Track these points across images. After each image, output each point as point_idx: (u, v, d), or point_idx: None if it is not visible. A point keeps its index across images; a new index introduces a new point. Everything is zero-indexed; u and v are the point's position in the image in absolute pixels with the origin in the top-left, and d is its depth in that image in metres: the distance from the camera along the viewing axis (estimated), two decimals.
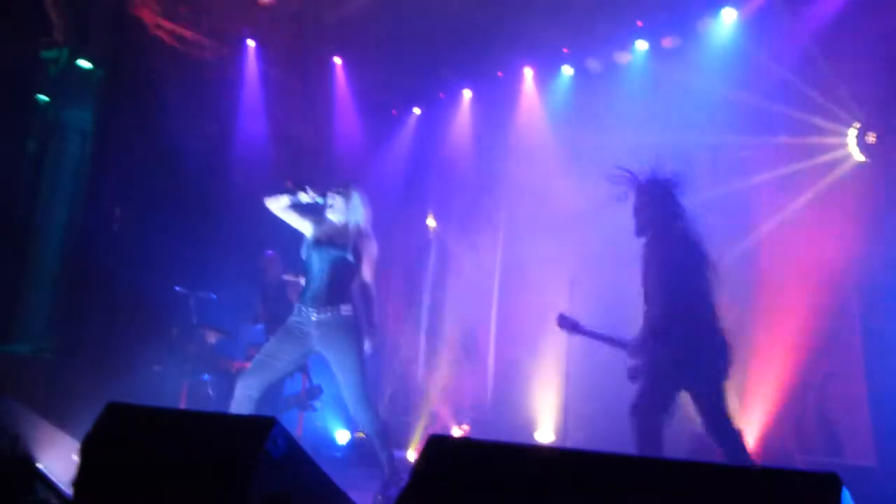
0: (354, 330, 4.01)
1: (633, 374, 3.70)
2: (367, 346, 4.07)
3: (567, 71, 7.30)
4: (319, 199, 4.14)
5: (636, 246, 3.84)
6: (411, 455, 6.11)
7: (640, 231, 3.82)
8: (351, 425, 6.79)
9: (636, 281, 3.76)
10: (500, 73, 7.64)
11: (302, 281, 4.26)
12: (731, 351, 3.64)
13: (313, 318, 3.98)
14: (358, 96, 7.93)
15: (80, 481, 2.34)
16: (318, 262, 4.06)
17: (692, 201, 3.87)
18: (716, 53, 6.14)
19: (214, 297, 6.19)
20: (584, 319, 4.25)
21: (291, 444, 2.17)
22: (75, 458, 2.41)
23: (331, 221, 4.18)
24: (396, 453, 4.23)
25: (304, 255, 4.14)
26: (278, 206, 4.17)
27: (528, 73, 7.49)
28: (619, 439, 3.78)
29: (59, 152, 6.55)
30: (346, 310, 3.99)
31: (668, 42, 6.52)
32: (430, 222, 8.16)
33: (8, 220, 6.11)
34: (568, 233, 6.46)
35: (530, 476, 1.77)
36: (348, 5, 6.79)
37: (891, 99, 5.22)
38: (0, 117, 5.95)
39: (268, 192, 4.22)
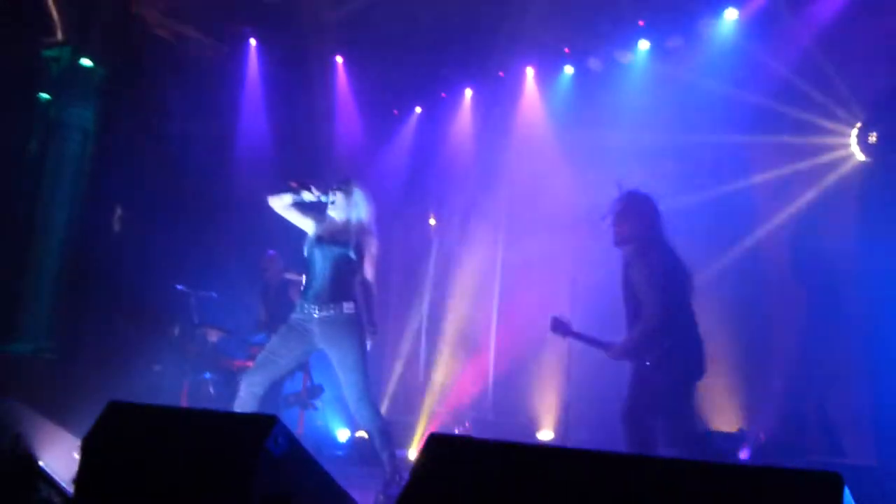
0: (357, 328, 4.01)
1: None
2: (368, 343, 4.07)
3: (568, 70, 7.30)
4: (322, 197, 4.15)
5: None
6: (412, 454, 6.11)
7: (620, 241, 3.93)
8: (352, 424, 6.79)
9: None
10: (501, 73, 7.64)
11: (304, 279, 4.26)
12: (705, 359, 3.79)
13: (315, 316, 3.98)
14: (359, 95, 7.93)
15: (81, 479, 2.34)
16: (321, 260, 4.06)
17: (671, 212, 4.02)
18: (717, 53, 6.13)
19: (215, 295, 6.19)
20: (584, 318, 4.25)
21: (292, 442, 2.17)
22: (76, 456, 2.41)
23: (333, 219, 4.18)
24: (397, 452, 4.23)
25: (306, 252, 4.15)
26: (281, 204, 4.18)
27: (529, 72, 7.49)
28: (621, 439, 3.80)
29: (60, 151, 6.56)
30: (348, 307, 3.99)
31: (669, 41, 6.52)
32: (431, 221, 8.16)
33: (9, 219, 6.11)
34: (569, 232, 6.46)
35: (531, 475, 1.77)
36: (350, 4, 6.80)
37: (892, 98, 5.22)
38: (2, 116, 5.96)
39: (270, 190, 4.22)
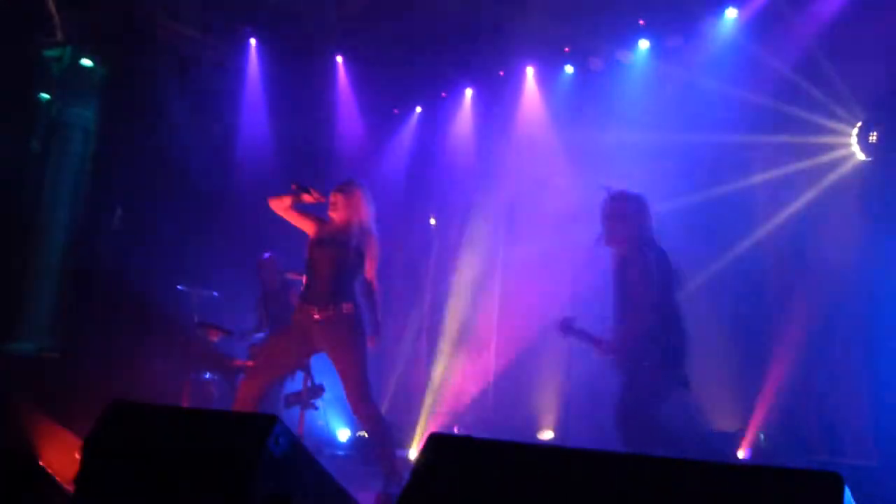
0: (356, 328, 4.02)
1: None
2: (373, 343, 4.08)
3: (569, 70, 7.29)
4: (323, 199, 4.16)
5: None
6: (412, 454, 6.12)
7: (610, 239, 3.94)
8: (353, 424, 6.80)
9: None
10: (501, 72, 7.63)
11: (304, 279, 4.27)
12: (686, 356, 3.86)
13: (315, 317, 3.99)
14: (360, 95, 7.92)
15: (82, 479, 2.34)
16: (321, 261, 4.07)
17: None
18: (718, 52, 6.13)
19: (217, 295, 6.20)
20: (585, 318, 4.25)
21: (293, 442, 2.17)
22: (77, 455, 2.41)
23: (333, 220, 4.18)
24: (398, 452, 4.24)
25: (306, 253, 4.16)
26: (281, 206, 4.19)
27: (529, 71, 7.49)
28: (619, 438, 3.81)
29: (61, 151, 6.56)
30: (347, 308, 4.00)
31: (670, 41, 6.52)
32: (432, 221, 8.16)
33: (10, 219, 6.12)
34: (570, 231, 6.45)
35: (531, 475, 1.77)
36: (351, 4, 6.79)
37: (893, 98, 5.21)
38: (3, 116, 5.96)
39: (271, 190, 4.24)
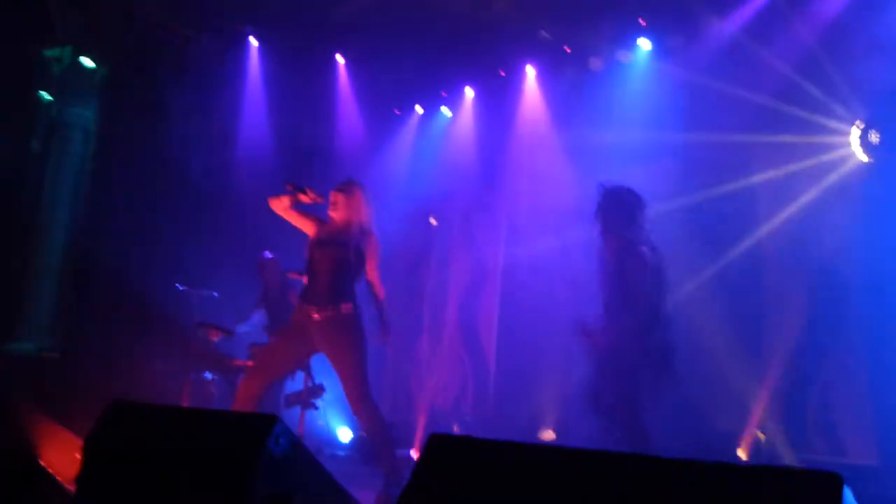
0: (355, 328, 4.01)
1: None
2: (384, 341, 4.09)
3: (569, 69, 7.29)
4: (320, 199, 4.16)
5: None
6: (412, 454, 6.11)
7: (608, 229, 4.00)
8: (353, 423, 6.80)
9: None
10: (502, 72, 7.64)
11: (304, 279, 4.27)
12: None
13: (314, 317, 3.99)
14: (360, 95, 7.92)
15: (82, 479, 2.34)
16: (320, 261, 4.06)
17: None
18: (718, 52, 6.13)
19: (216, 295, 6.20)
20: (585, 317, 4.25)
21: (293, 441, 2.17)
22: (77, 455, 2.41)
23: (333, 220, 4.18)
24: (398, 452, 4.24)
25: (306, 253, 4.16)
26: (280, 206, 4.19)
27: (530, 71, 7.49)
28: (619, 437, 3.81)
29: (61, 151, 6.56)
30: (346, 308, 4.00)
31: (670, 40, 6.52)
32: (432, 221, 8.16)
33: (11, 219, 6.12)
34: (570, 230, 6.45)
35: (532, 474, 1.77)
36: (351, 4, 6.79)
37: (894, 97, 5.21)
38: (3, 115, 5.96)
39: (271, 190, 4.24)
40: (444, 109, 8.21)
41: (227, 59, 7.47)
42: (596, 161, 6.20)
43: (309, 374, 5.49)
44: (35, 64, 6.35)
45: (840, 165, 5.54)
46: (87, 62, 6.56)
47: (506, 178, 7.57)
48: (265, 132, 7.57)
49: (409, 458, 5.79)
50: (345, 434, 7.03)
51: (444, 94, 8.13)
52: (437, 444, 1.92)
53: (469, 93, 8.00)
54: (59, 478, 3.04)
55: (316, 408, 5.87)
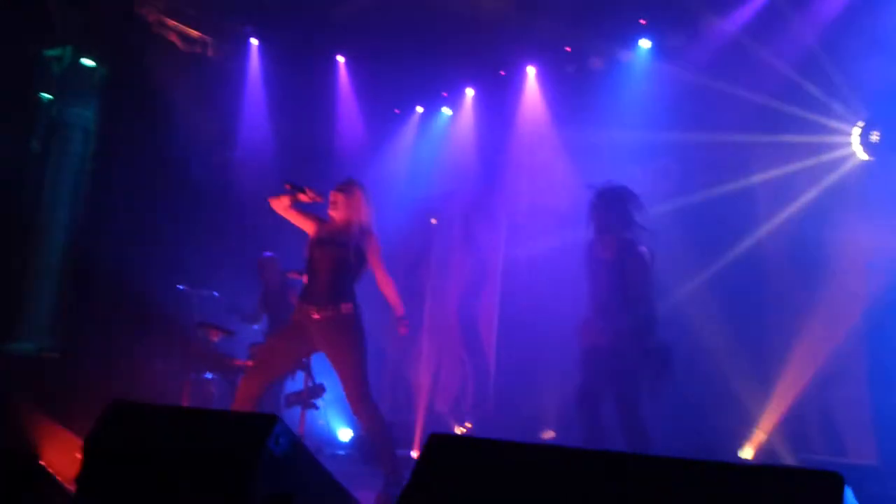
0: (355, 328, 4.01)
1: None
2: (404, 331, 4.18)
3: (569, 69, 7.29)
4: (319, 198, 4.16)
5: None
6: (412, 454, 6.12)
7: (606, 230, 3.99)
8: (354, 423, 6.80)
9: None
10: (502, 72, 7.64)
11: (304, 279, 4.27)
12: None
13: (314, 316, 3.99)
14: (360, 95, 7.92)
15: (82, 479, 2.34)
16: (320, 261, 4.07)
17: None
18: (719, 51, 6.13)
19: (217, 295, 6.20)
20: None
21: (293, 441, 2.17)
22: (77, 455, 2.41)
23: (333, 220, 4.18)
24: (398, 452, 4.24)
25: (306, 253, 4.16)
26: (280, 206, 4.19)
27: (530, 71, 7.49)
28: (619, 437, 3.81)
29: (61, 151, 6.56)
30: (346, 308, 4.00)
31: (671, 40, 6.52)
32: (432, 221, 8.16)
33: (10, 219, 6.12)
34: (570, 230, 6.45)
35: (532, 474, 1.77)
36: (351, 4, 6.79)
37: (894, 97, 5.21)
38: (3, 115, 5.96)
39: (271, 190, 4.24)
40: (445, 109, 8.22)
41: (227, 59, 7.47)
42: (596, 161, 6.19)
43: (309, 374, 5.49)
44: (35, 64, 6.34)
45: (840, 165, 5.54)
46: (87, 62, 6.55)
47: (506, 178, 7.57)
48: (265, 132, 7.57)
49: (409, 458, 5.79)
50: (345, 434, 7.03)
51: (444, 94, 8.13)
52: (437, 444, 1.92)
53: (469, 93, 8.00)
54: (59, 478, 3.05)
55: (316, 408, 5.87)
